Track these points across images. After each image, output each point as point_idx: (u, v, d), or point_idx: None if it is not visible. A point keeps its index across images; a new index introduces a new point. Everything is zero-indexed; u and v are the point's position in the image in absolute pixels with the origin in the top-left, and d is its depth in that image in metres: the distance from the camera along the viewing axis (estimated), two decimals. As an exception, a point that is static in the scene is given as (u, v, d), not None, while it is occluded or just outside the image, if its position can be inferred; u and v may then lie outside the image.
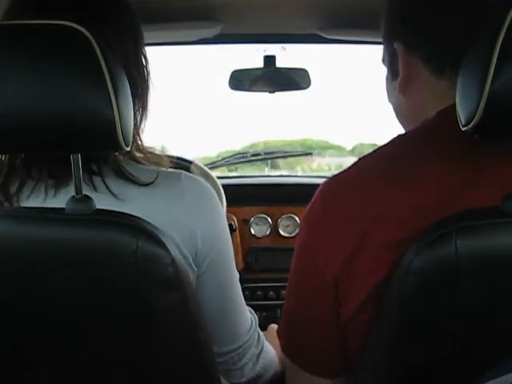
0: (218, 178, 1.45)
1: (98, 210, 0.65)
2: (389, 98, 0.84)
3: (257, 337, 0.91)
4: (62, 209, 0.65)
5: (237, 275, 0.87)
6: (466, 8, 0.69)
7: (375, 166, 0.72)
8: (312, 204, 0.75)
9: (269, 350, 0.96)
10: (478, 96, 0.56)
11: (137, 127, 0.82)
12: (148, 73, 0.83)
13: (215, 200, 0.82)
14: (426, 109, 0.75)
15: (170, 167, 0.84)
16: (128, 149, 0.63)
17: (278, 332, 0.84)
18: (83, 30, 0.58)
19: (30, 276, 0.65)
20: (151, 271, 0.64)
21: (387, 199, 0.67)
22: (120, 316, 0.66)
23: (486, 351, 0.63)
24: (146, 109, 0.83)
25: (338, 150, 3.77)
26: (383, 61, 0.84)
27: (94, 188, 0.73)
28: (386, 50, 0.80)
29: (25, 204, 0.73)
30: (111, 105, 0.58)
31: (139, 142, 0.82)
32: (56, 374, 0.71)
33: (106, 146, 0.62)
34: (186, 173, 0.80)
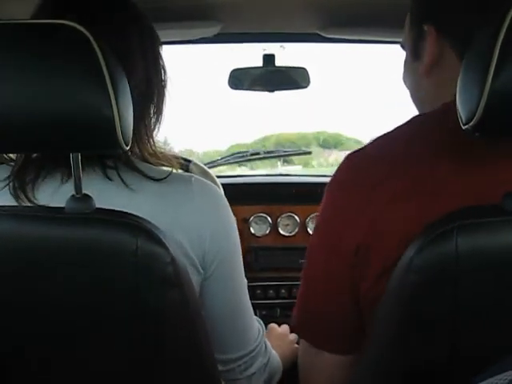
0: (218, 177, 1.45)
1: (97, 209, 0.65)
2: (405, 79, 0.85)
3: (264, 346, 0.91)
4: (62, 208, 0.65)
5: (245, 282, 0.86)
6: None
7: (395, 145, 0.73)
8: (338, 174, 0.76)
9: (274, 358, 0.96)
10: (478, 94, 0.56)
11: (150, 130, 0.82)
12: (165, 76, 0.83)
13: (225, 205, 0.81)
14: (448, 92, 0.75)
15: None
16: (127, 148, 0.63)
17: (294, 311, 0.82)
18: (83, 29, 0.58)
19: (30, 275, 0.65)
20: (151, 270, 0.64)
21: (405, 178, 0.68)
22: (120, 315, 0.66)
23: (487, 349, 0.63)
24: (160, 112, 0.83)
25: (356, 143, 3.74)
26: (402, 44, 0.85)
27: (108, 178, 0.73)
28: (410, 32, 0.81)
29: (39, 190, 0.74)
30: (111, 105, 0.58)
31: (152, 145, 0.81)
32: (56, 374, 0.70)
33: (105, 146, 0.62)
34: (197, 177, 0.80)
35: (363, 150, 0.76)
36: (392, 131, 0.76)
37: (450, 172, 0.67)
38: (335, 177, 0.77)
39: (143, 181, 0.74)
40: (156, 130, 0.83)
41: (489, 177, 0.65)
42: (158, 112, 0.82)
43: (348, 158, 0.76)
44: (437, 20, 0.75)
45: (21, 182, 0.73)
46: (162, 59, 0.83)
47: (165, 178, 0.75)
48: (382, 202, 0.69)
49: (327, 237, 0.76)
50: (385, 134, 0.76)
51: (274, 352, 0.96)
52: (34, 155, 0.76)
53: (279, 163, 2.72)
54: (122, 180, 0.73)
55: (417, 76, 0.80)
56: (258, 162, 2.35)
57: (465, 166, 0.67)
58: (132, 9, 0.79)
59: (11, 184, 0.74)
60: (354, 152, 0.76)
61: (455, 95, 0.71)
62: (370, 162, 0.73)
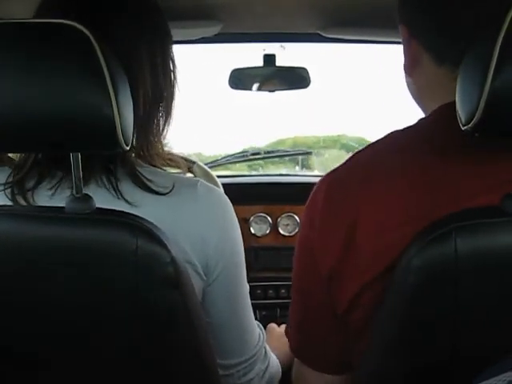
0: (218, 177, 1.45)
1: (98, 208, 0.65)
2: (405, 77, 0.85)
3: (264, 352, 0.90)
4: (62, 208, 0.65)
5: (247, 288, 0.86)
6: (473, 3, 0.67)
7: (373, 161, 0.72)
8: (312, 198, 0.75)
9: (274, 362, 0.95)
10: (478, 95, 0.56)
11: (159, 134, 0.80)
12: (175, 77, 0.81)
13: (230, 210, 0.81)
14: (428, 96, 0.75)
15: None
16: (127, 148, 0.63)
17: (286, 330, 0.84)
18: (83, 29, 0.58)
19: (30, 275, 0.65)
20: (151, 270, 0.64)
21: (385, 198, 0.67)
22: (120, 315, 0.66)
23: (488, 349, 0.63)
24: (170, 115, 0.81)
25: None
26: None
27: (113, 191, 0.72)
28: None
29: (39, 195, 0.73)
30: (111, 104, 0.58)
31: (160, 147, 0.80)
32: (56, 374, 0.71)
33: (105, 146, 0.62)
34: (203, 181, 0.79)
35: (338, 171, 0.74)
36: (365, 149, 0.74)
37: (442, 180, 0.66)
38: (313, 202, 0.74)
39: (145, 194, 0.72)
40: (165, 131, 0.81)
41: (488, 179, 0.65)
42: (168, 113, 0.81)
43: (323, 181, 0.74)
44: (408, 20, 0.75)
45: (21, 190, 0.72)
46: (171, 59, 0.81)
47: (168, 192, 0.73)
48: (360, 209, 0.68)
49: (306, 264, 0.75)
50: (356, 153, 0.74)
51: (273, 356, 0.95)
52: (31, 159, 0.74)
53: (297, 167, 2.68)
54: (124, 198, 0.72)
55: (405, 73, 0.79)
56: (272, 167, 2.30)
57: (460, 172, 0.66)
58: (143, 5, 0.77)
59: (9, 190, 0.72)
60: (332, 173, 0.74)
61: (437, 108, 0.71)
62: (344, 185, 0.71)
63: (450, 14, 0.69)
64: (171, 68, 0.81)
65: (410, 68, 0.76)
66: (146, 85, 0.75)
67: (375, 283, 0.67)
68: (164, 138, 0.81)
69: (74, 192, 0.64)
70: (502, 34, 0.54)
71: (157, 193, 0.72)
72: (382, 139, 0.74)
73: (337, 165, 0.75)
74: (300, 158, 2.47)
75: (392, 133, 0.74)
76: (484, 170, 0.65)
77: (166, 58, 0.80)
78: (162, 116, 0.80)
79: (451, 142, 0.67)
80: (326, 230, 0.71)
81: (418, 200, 0.66)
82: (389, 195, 0.67)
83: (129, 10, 0.76)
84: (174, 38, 0.83)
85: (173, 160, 0.82)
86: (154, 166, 0.78)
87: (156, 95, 0.78)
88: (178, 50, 0.84)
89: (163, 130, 0.81)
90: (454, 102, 0.65)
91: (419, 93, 0.79)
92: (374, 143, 0.74)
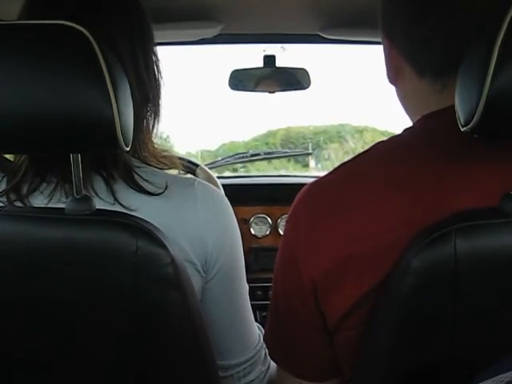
0: (218, 177, 1.45)
1: (98, 209, 0.65)
2: None
3: (264, 354, 0.89)
4: (62, 209, 0.65)
5: (246, 287, 0.86)
6: (448, 13, 0.67)
7: (359, 171, 0.71)
8: (295, 206, 0.74)
9: (274, 365, 0.95)
10: (477, 96, 0.56)
11: (149, 133, 0.80)
12: (160, 76, 0.81)
13: (228, 208, 0.81)
14: (413, 104, 0.76)
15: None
16: (128, 149, 0.63)
17: (265, 336, 0.83)
18: (83, 29, 0.58)
19: (30, 276, 0.65)
20: (151, 271, 0.64)
21: (373, 205, 0.67)
22: (120, 316, 0.66)
23: (486, 351, 0.63)
24: (158, 113, 0.81)
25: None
26: None
27: (113, 197, 0.72)
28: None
29: (37, 198, 0.72)
30: (111, 104, 0.59)
31: (152, 146, 0.81)
32: (55, 373, 0.71)
33: (105, 146, 0.62)
34: (200, 180, 0.79)
35: (323, 183, 0.73)
36: (351, 160, 0.74)
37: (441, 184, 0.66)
38: (294, 212, 0.73)
39: (142, 196, 0.72)
40: (155, 130, 0.82)
41: (473, 183, 0.65)
42: (156, 112, 0.81)
43: (307, 191, 0.73)
44: (388, 31, 0.75)
45: (18, 195, 0.72)
46: (154, 59, 0.81)
47: (163, 192, 0.73)
48: (354, 229, 0.67)
49: (288, 273, 0.74)
50: (343, 164, 0.74)
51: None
52: (26, 163, 0.74)
53: (312, 161, 2.61)
54: (121, 203, 0.71)
55: (390, 83, 0.79)
56: (286, 163, 2.27)
57: (446, 178, 0.66)
58: (118, 10, 0.76)
59: (5, 198, 0.72)
60: (316, 183, 0.73)
61: (421, 118, 0.72)
62: (330, 198, 0.70)
63: (427, 27, 0.68)
64: (155, 68, 0.81)
65: (394, 77, 0.77)
66: (131, 87, 0.73)
67: (371, 294, 0.66)
68: (155, 137, 0.82)
69: (74, 193, 0.65)
70: (501, 35, 0.54)
71: (153, 194, 0.72)
72: (367, 150, 0.74)
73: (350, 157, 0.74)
74: (315, 156, 2.44)
75: (377, 143, 0.74)
76: (470, 176, 0.65)
77: (148, 57, 0.79)
78: (150, 116, 0.80)
79: (436, 150, 0.67)
80: (310, 243, 0.70)
81: (406, 206, 0.65)
82: (376, 203, 0.66)
83: (106, 11, 0.74)
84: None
85: (167, 158, 0.82)
86: (150, 165, 0.78)
87: (142, 96, 0.77)
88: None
89: (153, 128, 0.81)
90: (436, 113, 0.68)
91: (405, 101, 0.79)
92: (359, 154, 0.74)
